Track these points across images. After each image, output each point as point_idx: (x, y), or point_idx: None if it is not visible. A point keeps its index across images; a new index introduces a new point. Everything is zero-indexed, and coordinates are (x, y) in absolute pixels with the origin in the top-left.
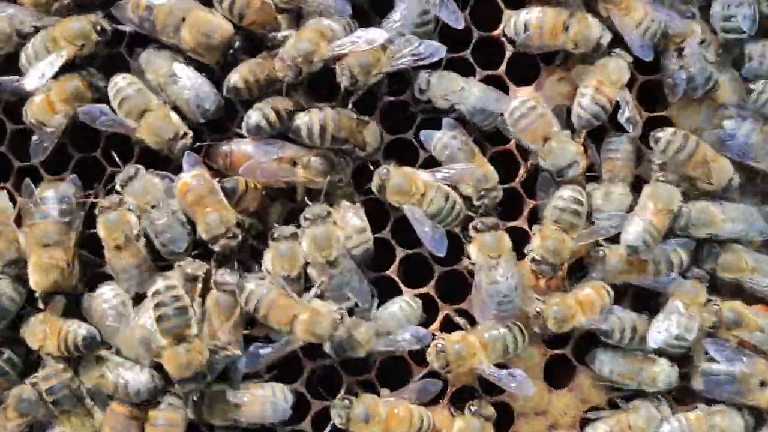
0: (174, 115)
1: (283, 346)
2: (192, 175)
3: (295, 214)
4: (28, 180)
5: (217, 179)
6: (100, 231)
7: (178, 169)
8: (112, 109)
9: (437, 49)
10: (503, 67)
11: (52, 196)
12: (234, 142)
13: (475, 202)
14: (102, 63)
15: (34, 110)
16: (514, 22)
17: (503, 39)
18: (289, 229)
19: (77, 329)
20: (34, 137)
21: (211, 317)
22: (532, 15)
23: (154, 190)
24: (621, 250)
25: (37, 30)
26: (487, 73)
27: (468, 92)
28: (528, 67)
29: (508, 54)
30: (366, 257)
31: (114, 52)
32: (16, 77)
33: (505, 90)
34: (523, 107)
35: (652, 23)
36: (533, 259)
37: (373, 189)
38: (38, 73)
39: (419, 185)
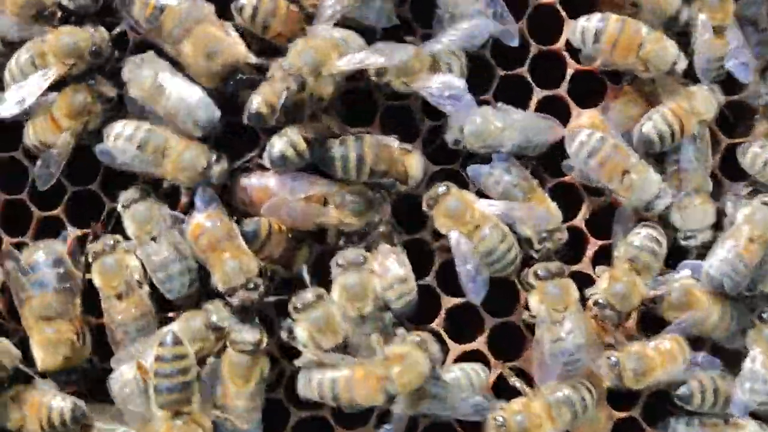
0: (197, 144)
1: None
2: (206, 215)
3: (325, 258)
4: (9, 247)
5: (234, 219)
6: (96, 279)
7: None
8: None
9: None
10: (565, 85)
11: (44, 261)
12: (255, 176)
13: (536, 246)
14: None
15: (37, 130)
16: (583, 29)
17: (565, 53)
18: (311, 294)
19: (60, 404)
20: (39, 162)
21: (225, 380)
22: (607, 24)
23: (157, 219)
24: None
25: (22, 42)
26: (546, 93)
27: (509, 131)
28: (591, 85)
29: (570, 71)
30: (408, 310)
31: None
32: None
33: (567, 113)
34: (591, 141)
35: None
36: (597, 303)
37: (423, 205)
38: (17, 97)
39: (475, 215)
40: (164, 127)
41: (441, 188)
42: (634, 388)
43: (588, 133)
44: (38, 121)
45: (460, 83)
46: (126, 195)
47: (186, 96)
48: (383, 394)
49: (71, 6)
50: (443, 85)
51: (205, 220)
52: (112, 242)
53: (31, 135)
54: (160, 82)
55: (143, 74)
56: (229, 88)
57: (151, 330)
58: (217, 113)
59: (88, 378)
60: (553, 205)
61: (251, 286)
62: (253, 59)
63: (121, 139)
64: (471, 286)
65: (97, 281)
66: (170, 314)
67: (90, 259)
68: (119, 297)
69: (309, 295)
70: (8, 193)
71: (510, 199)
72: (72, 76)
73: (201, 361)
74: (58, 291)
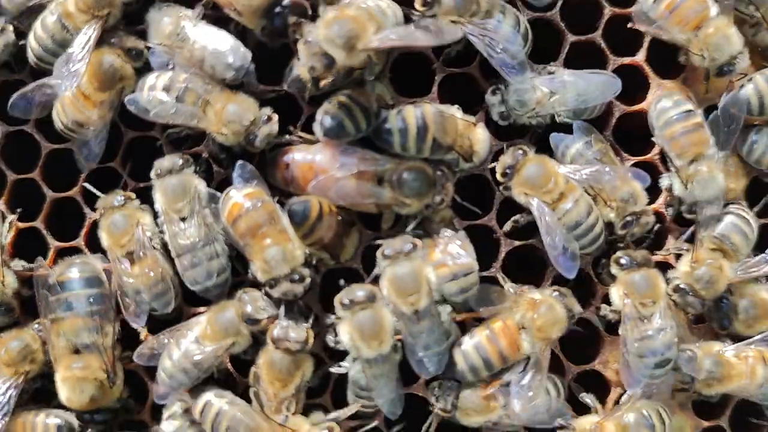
0: (246, 97)
1: None
2: (246, 194)
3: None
4: (40, 259)
5: (277, 199)
6: (104, 239)
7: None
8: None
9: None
10: (642, 53)
11: (77, 279)
12: (298, 150)
13: (619, 231)
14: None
15: (68, 110)
16: None
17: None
18: (363, 291)
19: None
20: (77, 146)
21: (263, 382)
22: None
23: (192, 196)
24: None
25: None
26: (623, 61)
27: (560, 95)
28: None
29: (647, 38)
30: (469, 304)
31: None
32: (39, 82)
33: (646, 84)
34: (677, 109)
35: None
36: (677, 288)
37: (498, 173)
38: (70, 69)
39: (560, 182)
40: (204, 77)
41: (518, 152)
42: (703, 393)
43: (675, 99)
44: (67, 100)
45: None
46: (162, 163)
47: (213, 41)
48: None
49: None
50: (500, 37)
51: (245, 199)
52: (122, 198)
53: (61, 116)
54: (184, 28)
55: (163, 21)
56: (276, 22)
57: (169, 300)
58: (249, 55)
59: (119, 418)
60: (639, 186)
61: (296, 277)
62: None
63: (157, 90)
64: (561, 260)
65: (105, 241)
66: (200, 309)
67: (98, 215)
68: (131, 259)
69: (360, 292)
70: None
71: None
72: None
73: (233, 359)
74: (90, 314)
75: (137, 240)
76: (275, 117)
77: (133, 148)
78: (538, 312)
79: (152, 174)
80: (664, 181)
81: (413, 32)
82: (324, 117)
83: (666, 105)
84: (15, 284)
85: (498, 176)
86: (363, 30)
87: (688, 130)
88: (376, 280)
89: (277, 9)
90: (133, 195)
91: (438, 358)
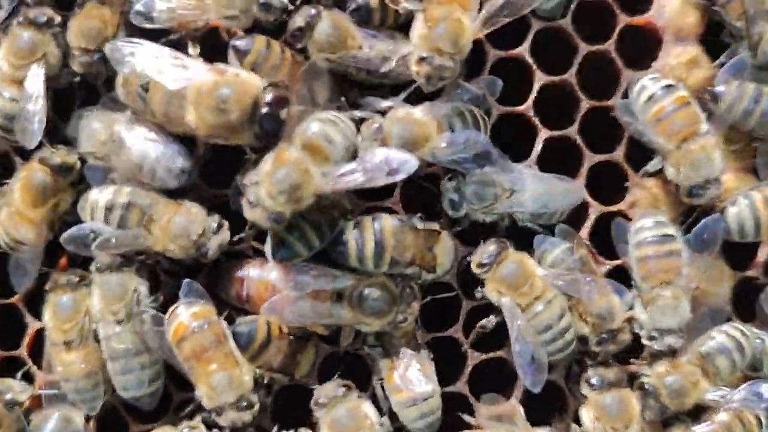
0: (191, 205)
1: None
2: (192, 314)
3: (335, 359)
4: None
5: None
6: (47, 319)
7: None
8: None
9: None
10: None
11: None
12: (252, 266)
13: (594, 347)
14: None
15: (5, 227)
16: None
17: None
18: (335, 386)
19: None
20: (11, 263)
21: None
22: None
23: (130, 299)
24: None
25: None
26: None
27: (520, 194)
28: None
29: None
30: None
31: None
32: None
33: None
34: (654, 232)
35: None
36: (641, 386)
37: (473, 265)
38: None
39: (537, 285)
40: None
41: (498, 246)
42: None
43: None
44: (3, 217)
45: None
46: (102, 258)
47: (153, 145)
48: None
49: None
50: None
51: (191, 319)
52: (76, 278)
53: None
54: (119, 132)
55: (95, 127)
56: (267, 125)
57: (98, 395)
58: (190, 162)
59: None
60: (617, 302)
61: (243, 404)
62: None
63: (98, 210)
64: (528, 372)
65: (48, 321)
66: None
67: (47, 290)
68: (68, 346)
69: (333, 387)
70: None
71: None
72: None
73: None
74: None
75: (81, 326)
76: (225, 224)
77: None
78: None
79: (92, 267)
80: (626, 298)
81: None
82: (273, 242)
83: (645, 224)
84: None
85: (473, 266)
86: (308, 177)
87: (659, 255)
88: None
89: (264, 110)
90: (88, 276)
91: None
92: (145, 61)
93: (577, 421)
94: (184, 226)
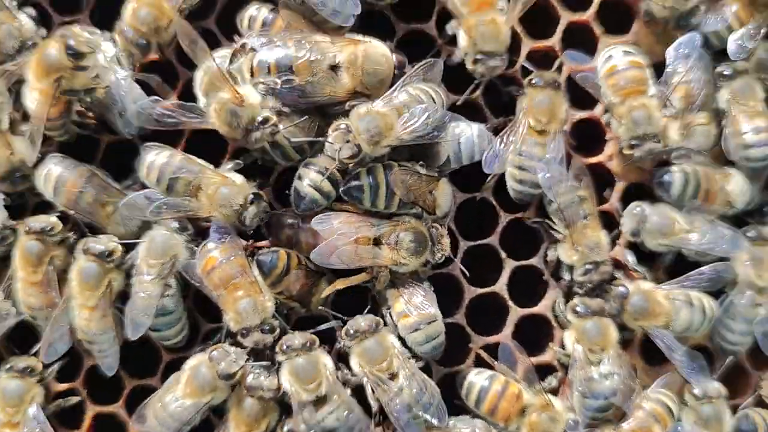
0: (239, 178)
1: None
2: (220, 249)
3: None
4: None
5: (250, 252)
6: (17, 258)
7: None
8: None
9: None
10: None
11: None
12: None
13: (578, 276)
14: None
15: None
16: None
17: None
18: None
19: None
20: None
21: (230, 424)
22: None
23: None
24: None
25: None
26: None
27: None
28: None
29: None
30: (436, 354)
31: None
32: None
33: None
34: (618, 49)
35: None
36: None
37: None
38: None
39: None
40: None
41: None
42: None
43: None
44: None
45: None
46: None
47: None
48: None
49: None
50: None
51: (218, 254)
52: (50, 226)
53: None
54: None
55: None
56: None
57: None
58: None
59: None
60: (605, 237)
61: (266, 328)
62: None
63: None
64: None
65: (18, 260)
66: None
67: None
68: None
69: (365, 321)
70: None
71: (572, 216)
72: None
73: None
74: None
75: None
76: (262, 194)
77: None
78: None
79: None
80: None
81: None
82: (297, 199)
83: (613, 52)
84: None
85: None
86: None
87: (626, 67)
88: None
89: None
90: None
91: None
92: None
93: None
94: (228, 196)
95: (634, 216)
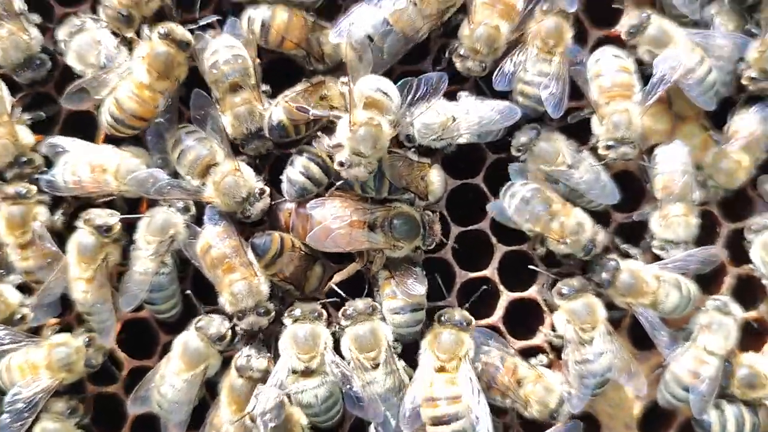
0: (246, 168)
1: None
2: (216, 232)
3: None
4: None
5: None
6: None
7: None
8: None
9: None
10: None
11: None
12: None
13: (583, 258)
14: None
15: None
16: None
17: None
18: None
19: None
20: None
21: (220, 404)
22: None
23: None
24: None
25: None
26: None
27: (463, 118)
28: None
29: None
30: (409, 337)
31: None
32: None
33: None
34: (609, 52)
35: None
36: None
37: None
38: None
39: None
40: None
41: (611, 264)
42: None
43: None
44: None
45: None
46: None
47: None
48: None
49: None
50: None
51: (214, 237)
52: (25, 191)
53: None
54: None
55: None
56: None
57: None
58: None
59: None
60: (580, 213)
61: (261, 310)
62: None
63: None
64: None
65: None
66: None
67: None
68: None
69: (363, 305)
70: None
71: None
72: None
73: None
74: None
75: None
76: (267, 191)
77: None
78: None
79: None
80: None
81: None
82: (288, 185)
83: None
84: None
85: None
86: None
87: (614, 70)
88: None
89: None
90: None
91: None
92: None
93: (553, 328)
94: (233, 187)
95: (529, 132)
